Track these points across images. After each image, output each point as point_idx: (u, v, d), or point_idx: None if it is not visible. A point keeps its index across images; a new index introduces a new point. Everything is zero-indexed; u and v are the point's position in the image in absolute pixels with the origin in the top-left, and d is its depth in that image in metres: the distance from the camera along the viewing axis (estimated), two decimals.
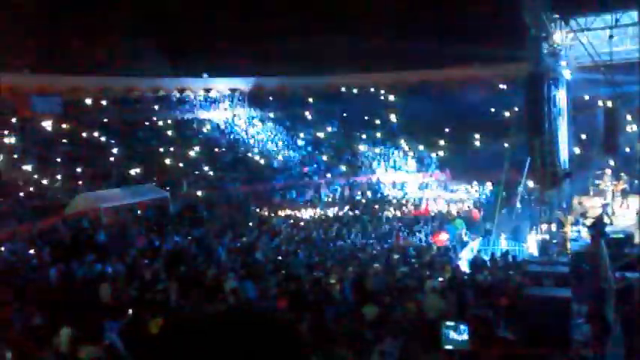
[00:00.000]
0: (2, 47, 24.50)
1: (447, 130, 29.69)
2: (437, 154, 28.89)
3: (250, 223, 19.63)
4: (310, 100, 31.81)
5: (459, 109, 28.84)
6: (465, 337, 7.13)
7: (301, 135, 30.15)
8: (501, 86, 29.87)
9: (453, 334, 7.15)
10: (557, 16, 15.60)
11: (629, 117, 19.07)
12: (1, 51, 24.25)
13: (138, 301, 9.89)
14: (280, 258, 14.53)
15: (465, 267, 13.23)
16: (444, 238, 17.10)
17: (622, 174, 16.67)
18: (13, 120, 24.57)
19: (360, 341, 7.59)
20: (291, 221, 20.51)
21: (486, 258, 13.93)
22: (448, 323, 7.25)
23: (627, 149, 17.90)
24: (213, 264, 13.08)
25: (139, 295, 10.42)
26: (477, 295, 10.03)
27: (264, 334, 2.10)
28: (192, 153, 26.88)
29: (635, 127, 19.22)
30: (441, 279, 11.20)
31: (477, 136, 28.76)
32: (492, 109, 28.85)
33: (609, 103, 16.20)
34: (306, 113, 31.52)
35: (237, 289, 10.59)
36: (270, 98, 31.50)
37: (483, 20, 25.99)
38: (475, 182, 24.84)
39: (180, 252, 14.34)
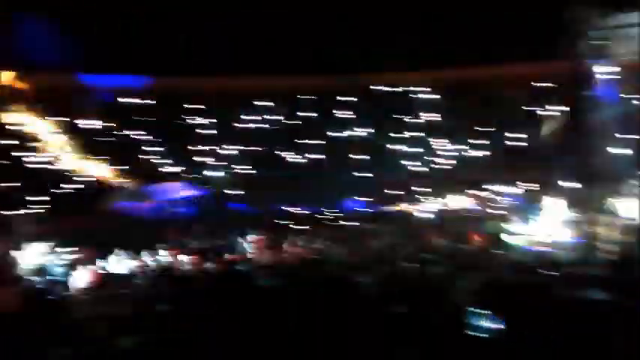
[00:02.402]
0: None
1: (487, 129, 29.20)
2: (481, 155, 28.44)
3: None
4: (345, 99, 31.69)
5: (500, 108, 28.27)
6: (496, 325, 6.85)
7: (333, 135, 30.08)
8: (544, 84, 29.17)
9: (480, 321, 6.87)
10: (602, 11, 15.15)
11: None
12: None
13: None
14: (316, 257, 14.59)
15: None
16: (479, 238, 16.86)
17: None
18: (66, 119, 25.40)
19: (385, 340, 7.53)
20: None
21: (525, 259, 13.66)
22: (475, 310, 6.96)
23: None
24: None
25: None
26: (512, 295, 9.85)
27: None
28: (228, 151, 27.32)
29: None
30: (474, 279, 11.03)
31: (518, 135, 28.21)
32: (534, 108, 28.26)
33: None
34: (341, 113, 31.41)
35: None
36: (303, 97, 31.40)
37: (524, 17, 25.41)
38: (514, 182, 24.42)
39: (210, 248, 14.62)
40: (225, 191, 24.13)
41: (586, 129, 15.47)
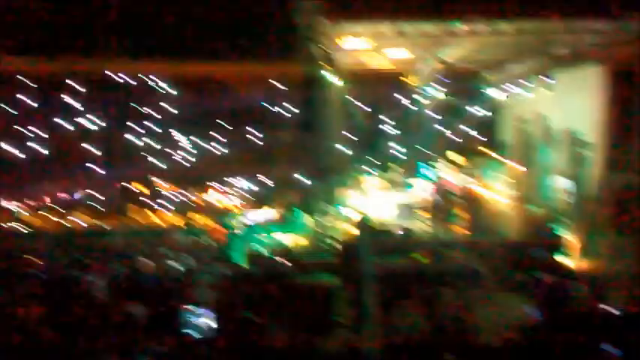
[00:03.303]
0: None
1: (224, 124, 29.69)
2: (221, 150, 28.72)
3: None
4: (75, 86, 28.97)
5: (237, 105, 29.00)
6: (207, 321, 6.95)
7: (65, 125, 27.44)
8: (278, 84, 30.79)
9: (193, 320, 6.93)
10: (329, 21, 16.21)
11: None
12: None
13: None
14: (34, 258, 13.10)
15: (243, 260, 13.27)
16: (221, 232, 16.94)
17: (382, 171, 18.48)
18: None
19: (126, 341, 7.09)
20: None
21: (263, 250, 14.18)
22: (188, 308, 7.05)
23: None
24: None
25: None
26: (253, 286, 10.10)
27: None
28: None
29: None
30: (216, 273, 11.05)
31: (254, 131, 29.29)
32: (269, 106, 29.68)
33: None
34: (70, 101, 28.65)
35: None
36: (26, 81, 27.78)
37: (261, 18, 26.49)
38: (252, 176, 25.35)
39: None
40: None
41: (315, 128, 16.65)
